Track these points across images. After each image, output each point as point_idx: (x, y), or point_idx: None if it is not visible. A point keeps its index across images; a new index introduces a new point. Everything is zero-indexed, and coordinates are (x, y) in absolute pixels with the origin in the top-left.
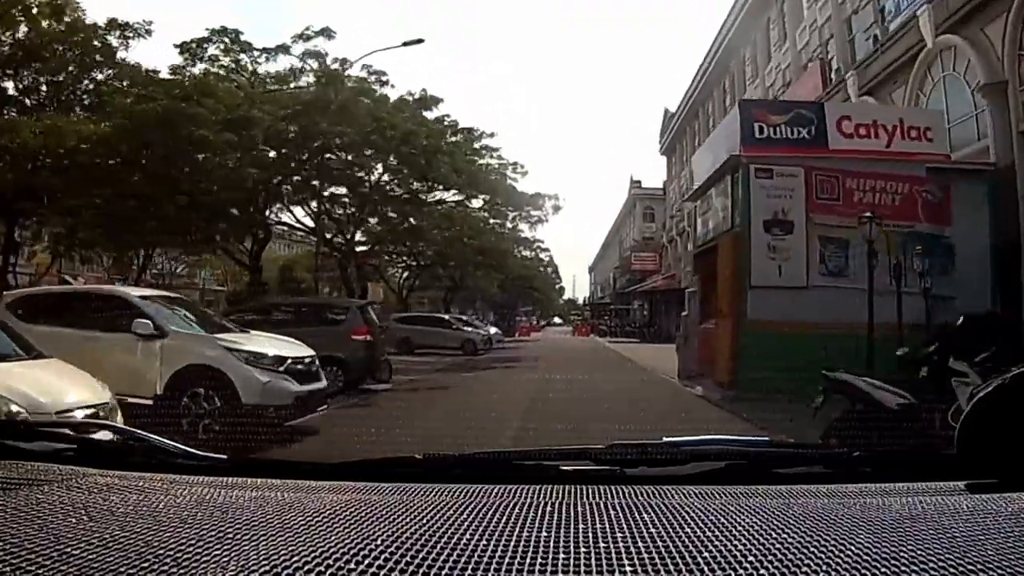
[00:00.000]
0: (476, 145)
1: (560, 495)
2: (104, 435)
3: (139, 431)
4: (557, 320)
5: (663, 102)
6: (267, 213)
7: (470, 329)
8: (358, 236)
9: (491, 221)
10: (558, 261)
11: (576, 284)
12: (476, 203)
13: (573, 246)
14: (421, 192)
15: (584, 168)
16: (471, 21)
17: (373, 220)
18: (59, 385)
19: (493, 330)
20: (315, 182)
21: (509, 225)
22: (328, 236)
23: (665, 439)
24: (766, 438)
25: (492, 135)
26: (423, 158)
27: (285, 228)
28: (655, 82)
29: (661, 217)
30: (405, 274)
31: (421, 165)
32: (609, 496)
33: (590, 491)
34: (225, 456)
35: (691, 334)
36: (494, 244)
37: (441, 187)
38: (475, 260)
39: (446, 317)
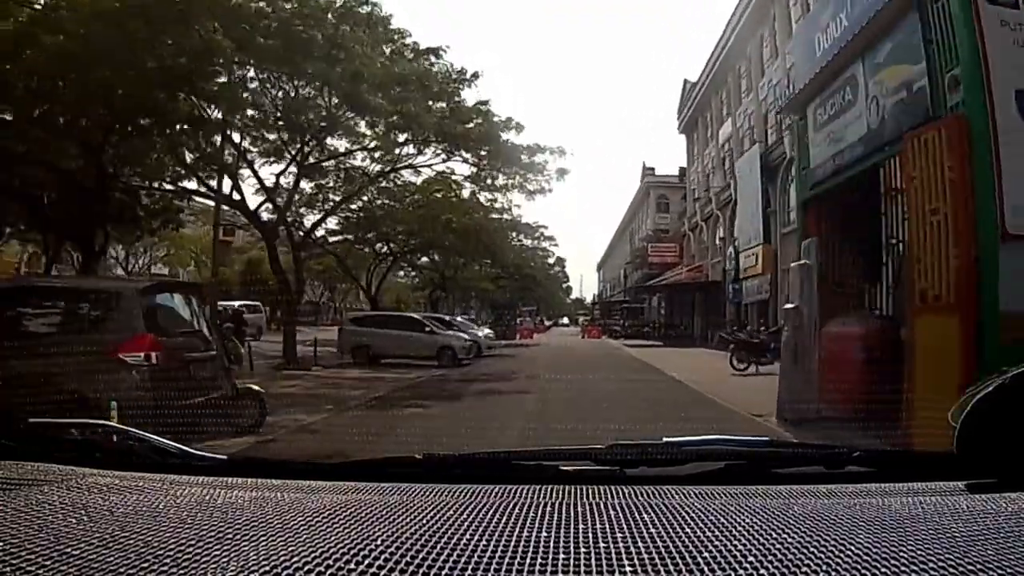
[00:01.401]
0: (452, 83)
1: (560, 495)
2: (104, 435)
3: (139, 431)
4: (564, 320)
5: (679, 76)
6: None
7: (449, 333)
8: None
9: (480, 195)
10: (564, 260)
11: (584, 284)
12: (461, 168)
13: (580, 245)
14: (347, 118)
15: (591, 163)
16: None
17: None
18: None
19: (483, 332)
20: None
21: (500, 199)
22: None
23: (665, 439)
24: (766, 438)
25: (476, 76)
26: (342, 53)
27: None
28: (668, 58)
29: (677, 207)
30: (376, 264)
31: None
32: (609, 496)
33: (590, 491)
34: (224, 456)
35: (806, 341)
36: (483, 224)
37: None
38: (459, 245)
39: (417, 317)
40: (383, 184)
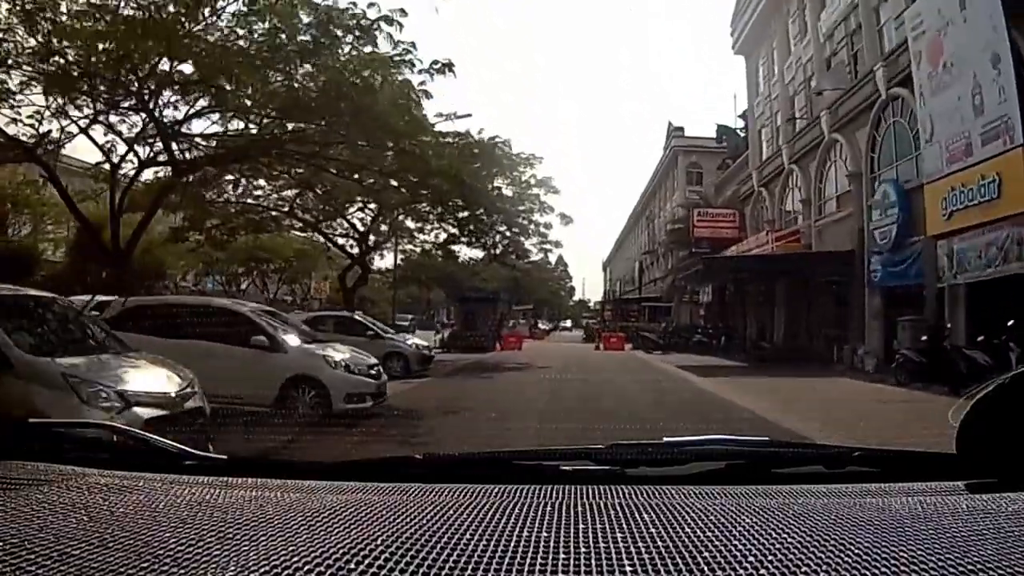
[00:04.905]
0: None
1: (560, 495)
2: (104, 435)
3: (139, 431)
4: (567, 323)
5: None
6: None
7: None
8: None
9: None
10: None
11: (586, 286)
12: None
13: (582, 249)
14: None
15: (592, 149)
16: None
17: None
18: None
19: (342, 356)
20: None
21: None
22: None
23: (665, 439)
24: (766, 438)
25: None
26: None
27: None
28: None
29: (712, 177)
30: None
31: None
32: (609, 496)
33: (590, 491)
34: (225, 456)
35: None
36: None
37: None
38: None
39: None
40: None
